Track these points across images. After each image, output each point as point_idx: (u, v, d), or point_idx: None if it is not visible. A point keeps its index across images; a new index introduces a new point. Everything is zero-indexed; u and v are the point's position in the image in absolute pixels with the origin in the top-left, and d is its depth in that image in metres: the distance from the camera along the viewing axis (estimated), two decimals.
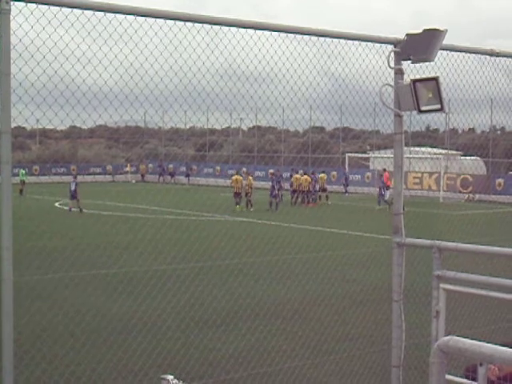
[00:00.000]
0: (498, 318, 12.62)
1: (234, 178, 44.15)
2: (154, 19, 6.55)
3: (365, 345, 12.26)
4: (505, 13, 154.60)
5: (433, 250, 7.20)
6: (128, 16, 6.43)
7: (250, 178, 43.71)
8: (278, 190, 42.96)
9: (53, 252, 22.38)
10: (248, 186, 42.29)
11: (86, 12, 6.22)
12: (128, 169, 77.28)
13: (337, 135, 70.46)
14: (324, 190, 49.46)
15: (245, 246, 22.65)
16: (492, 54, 8.81)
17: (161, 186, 69.12)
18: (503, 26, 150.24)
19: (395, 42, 7.76)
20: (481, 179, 54.54)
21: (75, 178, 42.47)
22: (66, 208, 40.55)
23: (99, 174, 75.51)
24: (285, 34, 7.47)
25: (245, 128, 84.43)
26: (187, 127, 75.03)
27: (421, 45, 7.56)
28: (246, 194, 42.11)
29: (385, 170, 50.62)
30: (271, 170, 49.28)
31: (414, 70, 7.94)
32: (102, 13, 6.29)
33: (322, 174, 50.34)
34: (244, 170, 47.39)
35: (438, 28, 7.49)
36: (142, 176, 76.25)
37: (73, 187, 40.30)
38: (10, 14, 5.84)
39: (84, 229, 29.74)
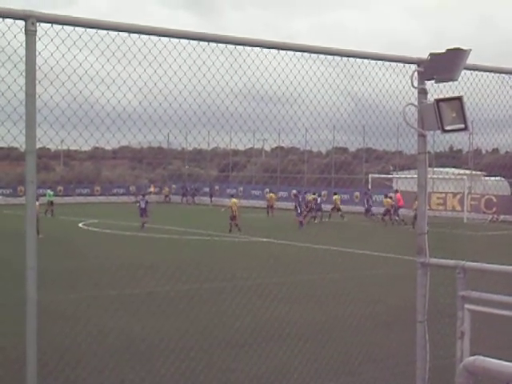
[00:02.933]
0: None
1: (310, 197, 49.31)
2: (177, 40, 6.59)
3: (389, 366, 12.16)
4: None
5: (457, 271, 7.16)
6: (152, 36, 6.47)
7: (235, 200, 42.31)
8: (302, 208, 43.48)
9: (76, 272, 22.48)
10: (234, 209, 41.02)
11: (110, 33, 6.27)
12: (152, 189, 77.53)
13: (360, 156, 70.36)
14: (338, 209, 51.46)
15: (268, 266, 22.62)
16: None
17: (183, 206, 69.27)
18: None
19: (418, 62, 7.76)
20: (505, 200, 54.17)
21: (143, 196, 44.65)
22: (101, 231, 40.67)
23: (123, 194, 75.77)
24: (307, 55, 7.49)
25: (268, 149, 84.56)
26: (210, 148, 75.30)
27: (444, 64, 7.55)
28: (233, 218, 40.66)
29: (396, 191, 50.75)
30: (294, 191, 50.09)
31: (437, 90, 7.94)
32: (127, 34, 6.34)
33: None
34: (234, 191, 50.22)
35: (461, 47, 7.48)
36: (166, 197, 76.42)
37: (142, 205, 42.06)
38: (35, 35, 5.90)
39: (107, 249, 29.82)
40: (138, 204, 43.25)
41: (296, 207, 45.09)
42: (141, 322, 14.81)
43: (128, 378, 11.21)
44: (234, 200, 41.88)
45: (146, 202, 42.46)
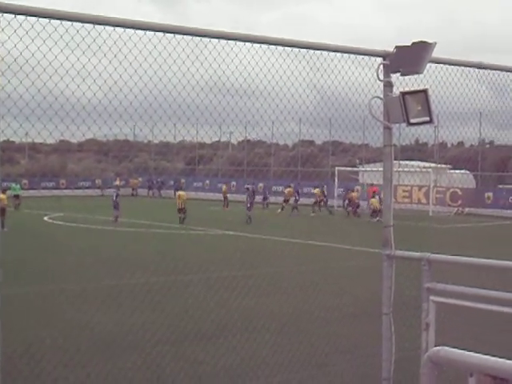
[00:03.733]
0: (488, 330, 12.61)
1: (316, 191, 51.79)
2: (143, 32, 6.55)
3: (355, 357, 12.23)
4: (488, 29, 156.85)
5: (422, 263, 7.21)
6: (117, 28, 6.43)
7: (181, 193, 41.88)
8: (251, 203, 43.44)
9: (41, 265, 22.31)
10: (179, 202, 40.69)
11: (75, 24, 6.22)
12: (117, 182, 77.09)
13: (326, 149, 70.51)
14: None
15: (234, 259, 22.63)
16: (480, 66, 8.86)
17: (150, 199, 69.04)
18: (487, 42, 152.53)
19: (384, 55, 7.78)
20: (470, 193, 54.65)
21: (118, 189, 46.19)
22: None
23: (88, 187, 75.27)
24: (273, 48, 7.48)
25: (234, 142, 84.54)
26: (177, 141, 75.10)
27: (410, 57, 7.58)
28: (181, 211, 40.41)
29: (372, 184, 51.22)
30: (246, 185, 50.91)
31: (403, 83, 7.97)
32: (91, 25, 6.29)
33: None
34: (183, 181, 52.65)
35: (426, 41, 7.52)
36: (133, 189, 75.97)
37: (114, 197, 42.50)
38: None
39: (73, 242, 29.62)
40: (111, 197, 43.61)
41: (247, 200, 44.49)
42: (106, 316, 14.75)
43: (94, 371, 11.16)
44: (180, 192, 41.69)
45: (117, 196, 42.77)
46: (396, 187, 51.46)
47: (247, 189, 47.84)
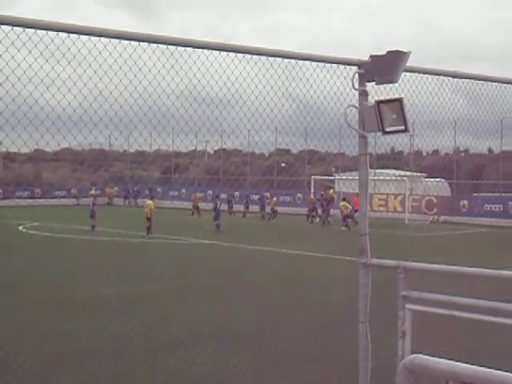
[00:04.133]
0: (463, 337, 12.65)
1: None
2: (117, 40, 6.53)
3: (332, 366, 12.22)
4: (466, 38, 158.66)
5: (398, 271, 7.22)
6: (92, 37, 6.40)
7: (151, 202, 41.06)
8: (217, 212, 43.41)
9: (16, 275, 22.14)
10: (146, 211, 39.79)
11: (49, 33, 6.19)
12: (93, 192, 76.67)
13: (302, 157, 70.62)
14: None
15: (209, 268, 22.60)
16: (455, 75, 8.91)
17: (126, 208, 68.77)
18: (464, 50, 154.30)
19: (359, 64, 7.80)
20: (445, 201, 54.93)
21: (95, 198, 46.97)
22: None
23: (64, 197, 74.84)
24: (248, 57, 7.48)
25: (210, 151, 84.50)
26: (152, 150, 74.95)
27: (385, 66, 7.61)
28: (148, 220, 39.42)
29: (357, 194, 51.24)
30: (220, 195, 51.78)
31: (378, 92, 8.00)
32: (66, 34, 6.26)
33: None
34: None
35: (401, 50, 7.55)
36: (109, 199, 75.61)
37: (91, 206, 42.67)
38: None
39: (48, 252, 29.46)
40: (89, 206, 43.80)
41: (214, 210, 44.17)
42: (84, 326, 14.66)
43: (70, 381, 11.08)
44: (149, 202, 41.29)
45: (94, 205, 42.78)
46: (372, 195, 51.64)
47: (216, 196, 47.98)
